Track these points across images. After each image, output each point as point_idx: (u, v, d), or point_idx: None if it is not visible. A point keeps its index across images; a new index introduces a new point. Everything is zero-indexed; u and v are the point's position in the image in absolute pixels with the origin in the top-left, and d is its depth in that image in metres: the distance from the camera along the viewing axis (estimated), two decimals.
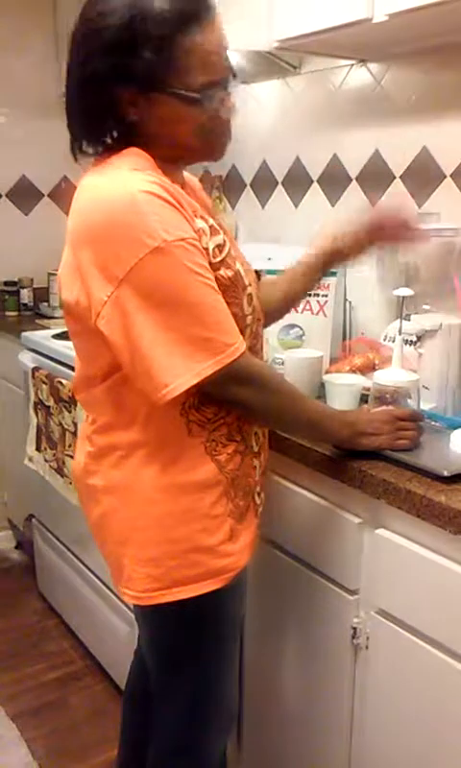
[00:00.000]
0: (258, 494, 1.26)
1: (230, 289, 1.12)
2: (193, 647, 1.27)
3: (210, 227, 1.11)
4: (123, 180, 1.02)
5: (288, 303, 1.46)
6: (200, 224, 1.09)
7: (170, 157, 1.12)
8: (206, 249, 1.08)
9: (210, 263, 1.08)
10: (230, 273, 1.12)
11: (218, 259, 1.11)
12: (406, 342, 1.72)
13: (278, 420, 1.23)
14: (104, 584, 2.10)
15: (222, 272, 1.11)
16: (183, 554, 1.17)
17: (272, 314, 1.41)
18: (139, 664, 1.51)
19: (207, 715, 1.31)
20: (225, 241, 1.14)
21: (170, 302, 1.01)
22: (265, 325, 1.38)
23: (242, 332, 1.13)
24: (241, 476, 1.21)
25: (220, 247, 1.12)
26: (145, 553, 1.17)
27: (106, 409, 1.17)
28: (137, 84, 1.03)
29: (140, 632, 1.37)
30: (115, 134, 1.11)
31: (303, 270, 1.43)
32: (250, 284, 1.18)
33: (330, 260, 1.42)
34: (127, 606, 1.97)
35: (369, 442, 1.25)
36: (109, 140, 1.12)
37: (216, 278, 1.09)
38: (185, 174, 1.24)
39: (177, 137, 1.10)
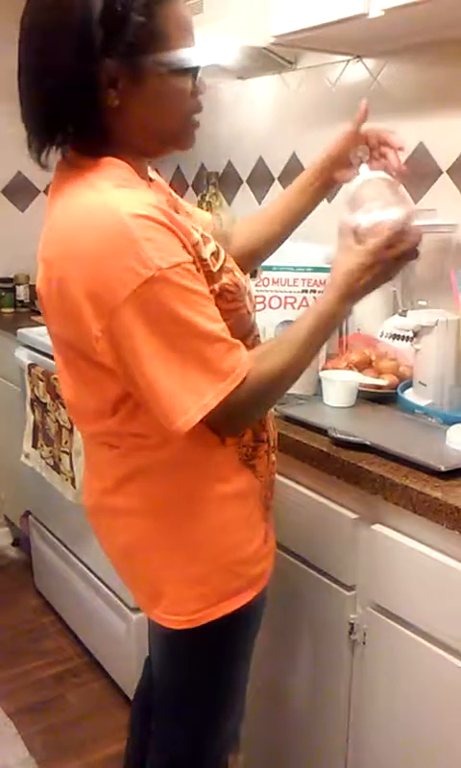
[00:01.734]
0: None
1: (238, 294, 1.08)
2: (221, 660, 1.22)
3: (202, 235, 1.05)
4: (110, 202, 0.94)
5: (287, 230, 1.36)
6: (195, 236, 1.03)
7: (141, 151, 1.06)
8: (205, 260, 1.03)
9: (211, 273, 1.04)
10: (233, 278, 1.08)
11: (217, 268, 1.06)
12: (403, 338, 1.73)
13: (294, 380, 1.10)
14: (100, 580, 2.09)
15: (226, 279, 1.06)
16: (229, 566, 1.14)
17: (270, 247, 1.37)
18: (148, 677, 1.46)
19: (222, 723, 1.29)
20: (218, 248, 1.09)
21: (166, 334, 0.95)
22: (262, 260, 1.38)
23: (249, 331, 1.11)
24: (269, 476, 1.20)
25: (215, 254, 1.06)
26: (192, 572, 1.12)
27: (127, 437, 1.10)
28: (124, 56, 0.94)
29: (156, 647, 1.30)
30: (80, 128, 1.00)
31: (298, 188, 1.32)
32: (246, 282, 1.15)
33: (324, 168, 1.30)
34: (124, 603, 1.97)
35: (376, 286, 1.08)
36: (71, 135, 1.02)
37: (223, 287, 1.05)
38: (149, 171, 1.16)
39: (158, 121, 1.02)
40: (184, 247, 0.98)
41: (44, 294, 1.03)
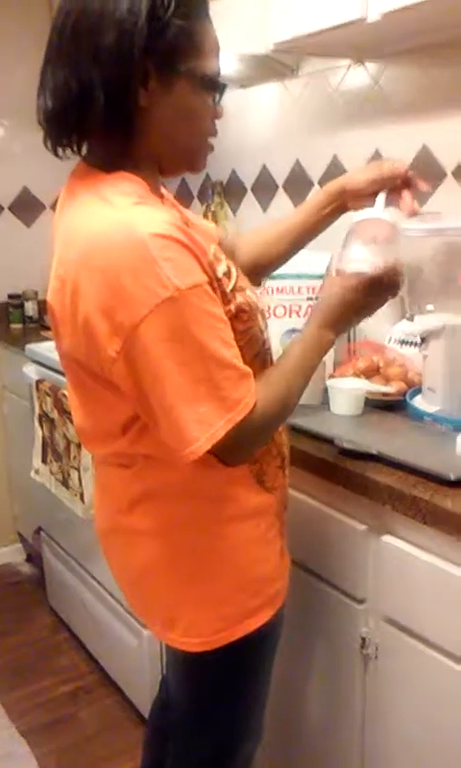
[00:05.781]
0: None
1: (251, 314, 1.07)
2: (239, 683, 1.19)
3: (213, 255, 1.04)
4: (129, 220, 0.92)
5: (296, 248, 1.35)
6: (210, 255, 1.02)
7: (156, 165, 1.05)
8: (220, 279, 1.02)
9: (225, 293, 1.02)
10: (246, 296, 1.07)
11: (230, 288, 1.04)
12: (411, 344, 1.70)
13: (292, 410, 1.10)
14: (112, 596, 2.07)
15: (240, 298, 1.05)
16: (247, 585, 1.11)
17: (277, 262, 1.37)
18: (164, 697, 1.44)
19: (242, 743, 1.26)
20: (229, 267, 1.07)
21: (181, 356, 0.92)
22: (267, 274, 1.39)
23: (261, 347, 1.10)
24: (283, 491, 1.18)
25: (227, 274, 1.05)
26: (210, 593, 1.10)
27: (138, 458, 1.09)
28: (160, 56, 0.94)
29: (173, 670, 1.28)
30: (107, 121, 0.96)
31: (311, 209, 1.31)
32: (258, 300, 1.13)
33: (339, 196, 1.28)
34: (135, 618, 1.94)
35: (358, 320, 1.16)
36: (96, 130, 0.98)
37: (239, 308, 1.03)
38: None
39: (178, 133, 1.02)
40: (201, 266, 0.96)
41: (58, 311, 1.01)
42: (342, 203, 1.28)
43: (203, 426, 0.94)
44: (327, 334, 1.10)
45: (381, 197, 1.23)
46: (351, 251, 1.14)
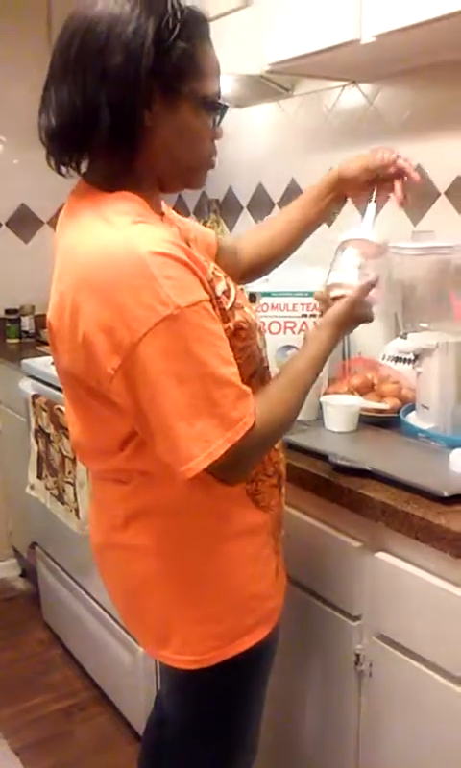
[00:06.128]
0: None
1: (250, 331, 1.08)
2: (235, 698, 1.19)
3: (213, 272, 1.05)
4: (128, 240, 0.92)
5: (301, 238, 1.39)
6: (210, 273, 1.03)
7: (157, 183, 1.06)
8: (219, 297, 1.03)
9: (224, 311, 1.03)
10: (244, 314, 1.07)
11: (229, 306, 1.05)
12: (404, 361, 1.71)
13: (292, 423, 1.11)
14: (107, 612, 2.07)
15: (239, 316, 1.06)
16: (242, 602, 1.11)
17: (283, 254, 1.39)
18: (158, 714, 1.43)
19: (236, 761, 1.26)
20: (229, 286, 1.08)
21: (181, 373, 0.92)
22: (275, 267, 1.41)
23: (259, 365, 1.11)
24: (278, 509, 1.18)
25: (226, 293, 1.06)
26: (204, 610, 1.10)
27: (134, 474, 1.09)
28: (164, 78, 0.96)
29: (167, 687, 1.27)
30: (112, 137, 0.97)
31: (311, 199, 1.36)
32: (256, 318, 1.14)
33: (336, 185, 1.34)
34: (130, 635, 1.94)
35: (361, 321, 1.19)
36: (101, 146, 0.98)
37: (237, 325, 1.04)
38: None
39: (181, 152, 1.03)
40: (202, 284, 0.97)
41: (57, 327, 1.02)
42: (339, 192, 1.34)
43: (201, 444, 0.94)
44: (337, 337, 1.14)
45: (370, 214, 1.26)
46: (340, 267, 1.20)
